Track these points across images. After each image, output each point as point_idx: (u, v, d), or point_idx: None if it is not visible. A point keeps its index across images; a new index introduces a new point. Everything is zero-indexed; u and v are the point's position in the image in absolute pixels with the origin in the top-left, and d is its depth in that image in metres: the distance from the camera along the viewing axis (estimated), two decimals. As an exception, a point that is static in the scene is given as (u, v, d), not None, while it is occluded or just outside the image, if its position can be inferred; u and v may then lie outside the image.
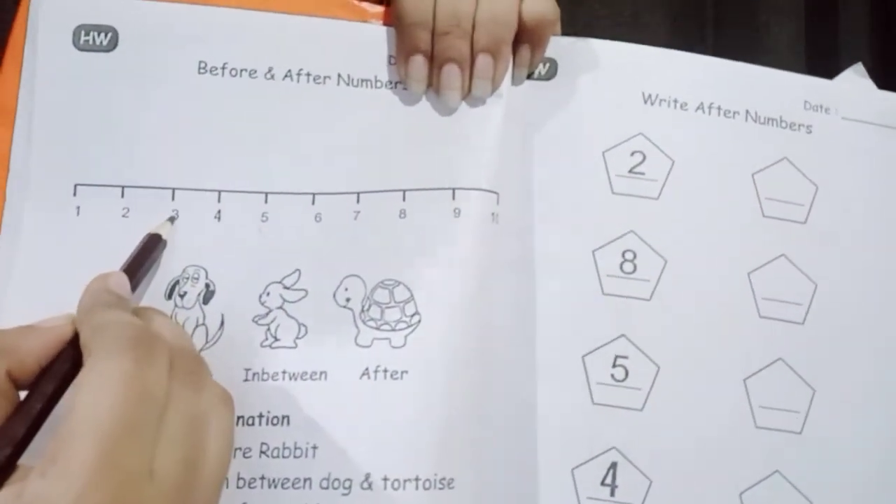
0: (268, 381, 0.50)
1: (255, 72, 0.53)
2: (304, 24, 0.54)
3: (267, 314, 0.51)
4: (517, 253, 0.55)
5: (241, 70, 0.53)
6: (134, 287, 0.47)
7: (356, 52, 0.55)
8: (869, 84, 0.64)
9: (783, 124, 0.61)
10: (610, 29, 1.55)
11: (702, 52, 1.51)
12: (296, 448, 0.50)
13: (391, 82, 0.55)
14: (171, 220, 0.51)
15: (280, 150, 0.53)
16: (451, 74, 0.53)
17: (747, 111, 0.61)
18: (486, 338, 0.53)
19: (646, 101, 0.58)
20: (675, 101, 0.59)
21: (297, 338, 0.52)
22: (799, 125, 0.61)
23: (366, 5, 0.57)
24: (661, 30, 1.54)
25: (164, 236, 0.51)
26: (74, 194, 0.52)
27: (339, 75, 0.54)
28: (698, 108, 0.59)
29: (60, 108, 0.52)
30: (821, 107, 0.62)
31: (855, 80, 0.68)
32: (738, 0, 1.53)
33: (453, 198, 0.53)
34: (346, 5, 0.56)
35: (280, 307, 0.51)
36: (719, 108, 0.60)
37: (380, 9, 0.57)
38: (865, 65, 1.48)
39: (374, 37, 0.55)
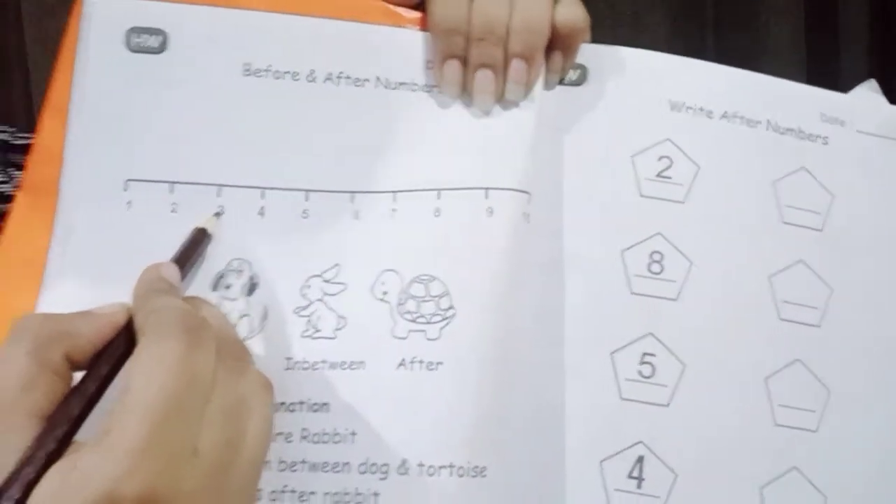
0: (308, 370, 0.53)
1: (298, 74, 0.55)
2: (344, 28, 0.56)
3: (308, 306, 0.53)
4: (547, 252, 0.57)
5: (284, 72, 0.55)
6: (182, 277, 0.49)
7: (394, 55, 0.57)
8: (882, 100, 0.67)
9: (801, 135, 0.63)
10: (611, 29, 1.57)
11: (702, 52, 1.54)
12: (335, 433, 0.52)
13: (427, 85, 0.57)
14: (217, 215, 0.53)
15: (320, 150, 0.55)
16: (486, 79, 0.55)
17: (768, 121, 0.63)
18: (516, 333, 0.55)
19: (673, 109, 0.61)
20: (701, 108, 0.61)
21: (336, 329, 0.53)
22: (816, 136, 0.63)
23: (402, 10, 0.59)
24: (662, 30, 1.56)
25: (209, 231, 0.53)
26: (125, 189, 0.54)
27: (378, 78, 0.56)
28: (723, 116, 0.62)
29: (112, 106, 0.54)
30: (836, 119, 0.64)
31: (868, 95, 0.67)
32: (738, 0, 1.55)
33: (486, 197, 0.55)
34: (383, 10, 0.58)
35: (320, 299, 0.53)
36: (742, 118, 0.62)
37: (416, 14, 0.59)
38: (865, 64, 1.50)
39: (411, 41, 0.57)
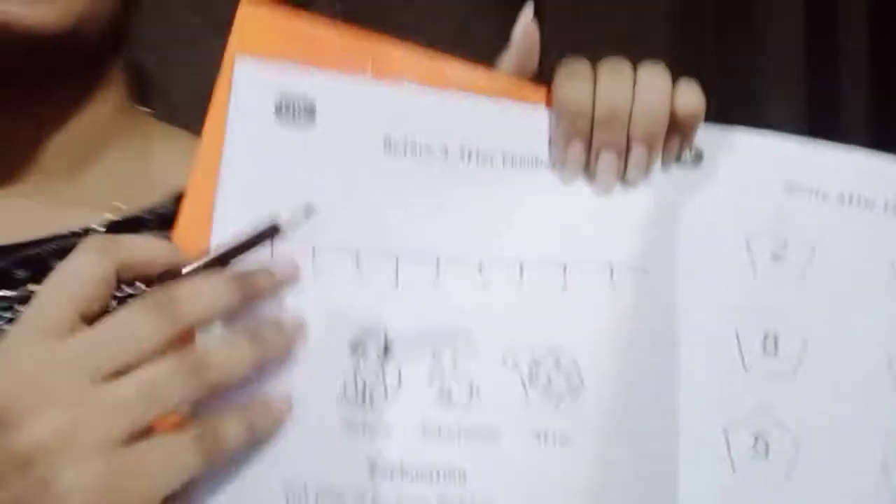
0: (443, 437, 0.54)
1: (432, 148, 0.57)
2: (474, 103, 0.58)
3: (441, 373, 0.54)
4: (663, 328, 0.59)
5: (420, 146, 0.57)
6: (224, 263, 0.48)
7: (520, 131, 0.59)
8: None
9: None
10: (610, 29, 1.58)
11: (702, 52, 1.56)
12: (472, 502, 0.53)
13: (551, 162, 0.59)
14: (307, 211, 0.52)
15: (452, 223, 0.56)
16: (609, 161, 0.58)
17: (886, 202, 0.64)
18: (638, 409, 0.57)
19: (788, 190, 0.62)
20: (817, 190, 0.62)
21: (469, 396, 0.54)
22: None
23: (529, 87, 0.61)
24: (662, 31, 1.59)
25: (283, 226, 0.51)
26: (271, 256, 0.53)
27: (504, 154, 0.58)
28: (839, 198, 0.63)
29: (260, 175, 0.54)
30: None
31: None
32: (737, 1, 1.57)
33: (609, 273, 0.57)
34: (512, 85, 0.61)
35: (453, 367, 0.54)
36: (859, 198, 0.63)
37: (542, 91, 0.61)
38: (865, 65, 1.54)
39: (537, 118, 0.59)
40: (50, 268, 0.47)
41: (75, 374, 0.40)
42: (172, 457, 0.41)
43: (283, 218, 0.50)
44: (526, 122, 0.59)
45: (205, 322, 0.46)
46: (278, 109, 0.53)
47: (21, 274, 0.58)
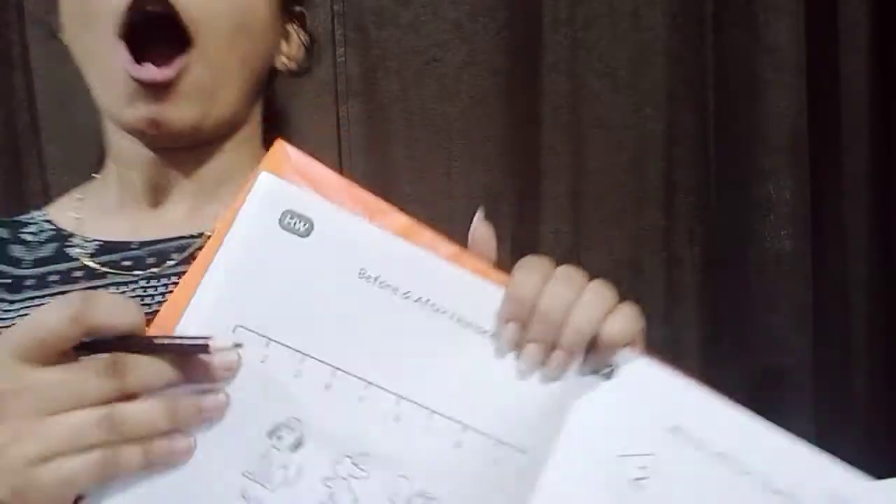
0: None
1: (397, 290, 0.61)
2: (442, 267, 0.63)
3: (334, 479, 0.59)
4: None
5: (388, 285, 0.61)
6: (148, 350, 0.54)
7: (473, 300, 0.63)
8: None
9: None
10: (610, 26, 1.59)
11: (701, 49, 1.56)
12: None
13: (492, 335, 0.64)
14: (236, 346, 0.58)
15: (391, 356, 0.61)
16: (534, 352, 0.63)
17: (764, 481, 0.65)
18: None
19: (672, 431, 0.65)
20: (700, 440, 0.65)
21: None
22: None
23: (493, 269, 0.66)
24: (661, 28, 1.59)
25: (211, 349, 0.56)
26: (233, 332, 0.59)
27: (454, 313, 0.62)
28: (717, 454, 0.65)
29: (251, 262, 0.60)
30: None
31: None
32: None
33: (498, 448, 0.62)
34: (479, 263, 0.66)
35: (345, 479, 0.59)
36: (736, 461, 0.65)
37: (503, 276, 0.66)
38: (865, 64, 1.55)
39: (491, 294, 0.64)
40: (169, 258, 0.75)
41: (33, 398, 0.50)
42: (72, 475, 0.50)
43: (216, 344, 0.55)
44: (481, 294, 0.63)
45: (142, 392, 0.53)
46: (282, 217, 0.60)
47: (150, 260, 0.78)
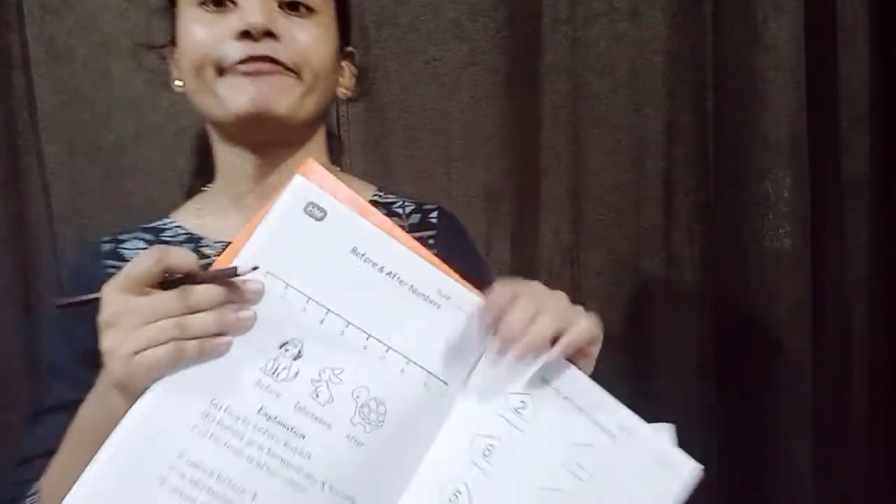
0: (303, 412, 0.80)
1: (375, 265, 0.83)
2: (429, 266, 0.85)
3: (321, 382, 0.81)
4: (432, 424, 0.84)
5: (370, 261, 0.83)
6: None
7: (425, 279, 0.84)
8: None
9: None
10: (609, 25, 1.60)
11: (701, 47, 1.56)
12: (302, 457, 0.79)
13: (434, 303, 0.84)
14: (254, 268, 0.79)
15: (364, 306, 0.83)
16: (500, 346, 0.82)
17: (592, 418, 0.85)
18: (396, 456, 0.84)
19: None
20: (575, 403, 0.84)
21: (327, 400, 0.81)
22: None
23: (438, 259, 0.86)
24: (660, 27, 1.59)
25: (239, 272, 0.78)
26: (264, 276, 0.80)
27: (412, 287, 0.84)
28: (576, 407, 0.84)
29: (281, 233, 0.81)
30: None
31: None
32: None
33: (427, 378, 0.84)
34: (429, 253, 0.86)
35: (326, 383, 0.81)
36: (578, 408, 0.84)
37: (442, 265, 0.86)
38: (865, 62, 1.55)
39: (437, 275, 0.85)
40: None
41: (132, 316, 0.74)
42: (156, 361, 0.74)
43: (241, 269, 0.78)
44: (430, 274, 0.85)
45: (200, 308, 0.76)
46: (306, 206, 0.82)
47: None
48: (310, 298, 0.81)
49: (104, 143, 1.50)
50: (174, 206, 1.13)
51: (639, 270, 1.62)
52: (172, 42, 1.02)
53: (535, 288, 0.83)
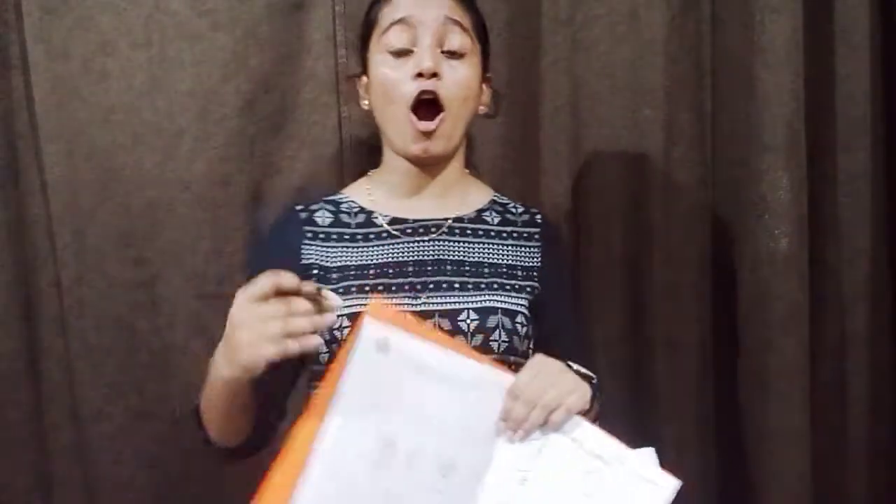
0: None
1: (431, 370, 1.09)
2: (453, 356, 1.10)
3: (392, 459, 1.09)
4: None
5: (425, 370, 1.09)
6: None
7: (474, 376, 1.10)
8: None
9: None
10: (609, 27, 1.60)
11: (699, 48, 1.56)
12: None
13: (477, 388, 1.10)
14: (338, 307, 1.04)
15: (417, 407, 1.09)
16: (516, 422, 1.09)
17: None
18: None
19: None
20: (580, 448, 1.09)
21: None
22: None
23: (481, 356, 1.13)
24: (660, 28, 1.60)
25: (322, 294, 1.02)
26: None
27: (461, 383, 1.10)
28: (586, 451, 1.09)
29: (362, 362, 1.08)
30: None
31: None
32: (735, -3, 1.58)
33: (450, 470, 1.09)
34: (473, 351, 1.14)
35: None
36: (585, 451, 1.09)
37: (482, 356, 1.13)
38: (863, 62, 1.56)
39: (482, 368, 1.11)
40: (430, 232, 1.28)
41: (254, 319, 0.98)
42: (268, 352, 0.97)
43: (325, 293, 1.01)
44: (477, 371, 1.10)
45: (299, 314, 0.99)
46: (377, 343, 1.08)
47: (420, 230, 1.28)
48: (394, 409, 1.07)
49: (102, 144, 1.50)
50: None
51: (638, 270, 1.62)
52: (364, 73, 1.30)
53: (550, 367, 1.10)
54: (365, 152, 1.55)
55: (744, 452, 1.60)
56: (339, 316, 1.11)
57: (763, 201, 1.54)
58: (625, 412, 1.56)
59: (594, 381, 1.14)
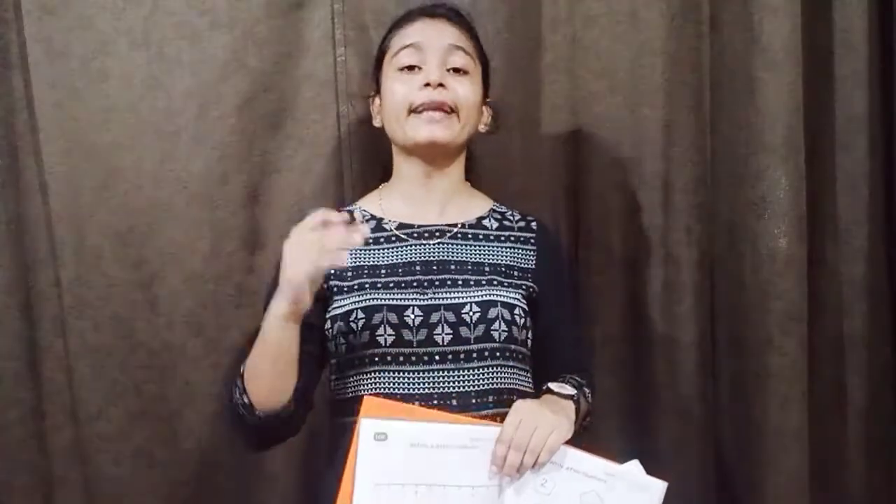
0: None
1: (427, 445, 1.20)
2: (447, 426, 1.22)
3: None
4: None
5: (422, 445, 1.20)
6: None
7: (473, 438, 1.21)
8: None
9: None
10: (608, 26, 1.60)
11: (698, 49, 1.56)
12: None
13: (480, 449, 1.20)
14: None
15: (431, 475, 1.20)
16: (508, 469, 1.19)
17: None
18: None
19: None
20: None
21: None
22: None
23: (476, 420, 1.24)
24: (659, 28, 1.59)
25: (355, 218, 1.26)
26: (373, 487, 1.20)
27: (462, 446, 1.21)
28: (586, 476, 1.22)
29: (366, 454, 1.19)
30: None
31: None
32: (734, -1, 1.58)
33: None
34: (468, 418, 1.24)
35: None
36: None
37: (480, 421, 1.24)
38: (863, 62, 1.55)
39: (481, 430, 1.21)
40: (434, 237, 1.37)
41: (300, 243, 1.14)
42: (307, 264, 1.13)
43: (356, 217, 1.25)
44: (477, 433, 1.21)
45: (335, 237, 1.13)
46: (375, 435, 1.18)
47: (426, 234, 1.36)
48: (406, 483, 1.18)
49: (101, 143, 1.50)
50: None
51: (636, 269, 1.62)
52: (377, 92, 1.39)
53: (530, 413, 1.19)
54: (364, 152, 1.55)
55: (743, 452, 1.60)
56: (352, 310, 1.28)
57: (763, 201, 1.54)
58: (625, 412, 1.57)
59: (575, 397, 1.26)
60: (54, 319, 1.50)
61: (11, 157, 1.49)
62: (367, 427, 1.18)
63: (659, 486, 1.20)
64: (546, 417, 1.19)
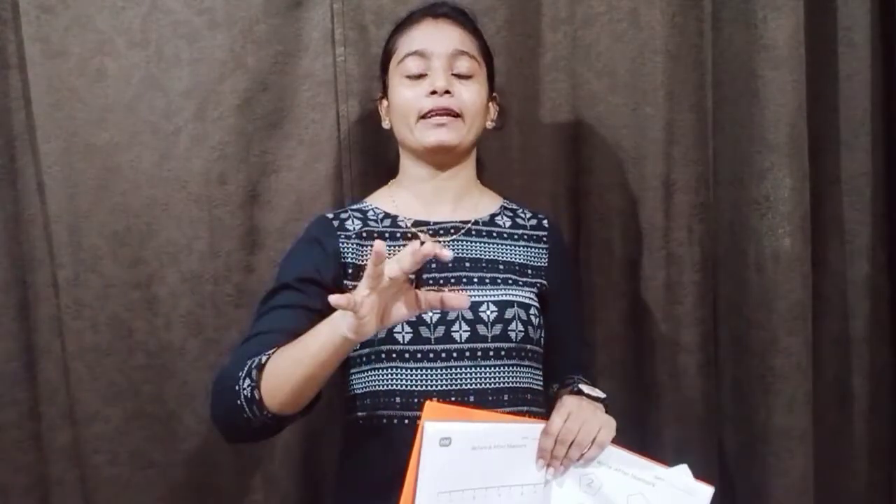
0: None
1: (486, 447, 1.20)
2: (503, 426, 1.23)
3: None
4: None
5: (481, 447, 1.20)
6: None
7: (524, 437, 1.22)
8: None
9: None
10: (609, 25, 1.59)
11: (700, 47, 1.55)
12: None
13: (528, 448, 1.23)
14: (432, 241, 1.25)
15: (487, 474, 1.22)
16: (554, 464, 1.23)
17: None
18: None
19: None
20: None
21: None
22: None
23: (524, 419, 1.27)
24: (660, 27, 1.59)
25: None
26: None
27: (518, 444, 1.23)
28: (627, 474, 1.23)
29: (430, 460, 1.17)
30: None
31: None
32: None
33: None
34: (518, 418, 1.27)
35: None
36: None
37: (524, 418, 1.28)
38: (865, 60, 1.55)
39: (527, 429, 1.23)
40: (448, 233, 1.38)
41: (372, 300, 1.09)
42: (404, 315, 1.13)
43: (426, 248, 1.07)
44: (526, 432, 1.22)
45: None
46: (440, 441, 1.16)
47: (441, 231, 1.38)
48: (466, 489, 1.19)
49: (99, 143, 1.49)
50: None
51: (638, 269, 1.61)
52: (384, 96, 1.42)
53: (579, 409, 1.21)
54: (363, 152, 1.55)
55: (746, 452, 1.59)
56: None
57: (766, 200, 1.53)
58: (626, 413, 1.55)
59: (605, 400, 1.28)
60: (52, 319, 1.50)
61: (9, 157, 1.49)
62: (431, 431, 1.16)
63: (706, 491, 1.21)
64: (594, 414, 1.22)
